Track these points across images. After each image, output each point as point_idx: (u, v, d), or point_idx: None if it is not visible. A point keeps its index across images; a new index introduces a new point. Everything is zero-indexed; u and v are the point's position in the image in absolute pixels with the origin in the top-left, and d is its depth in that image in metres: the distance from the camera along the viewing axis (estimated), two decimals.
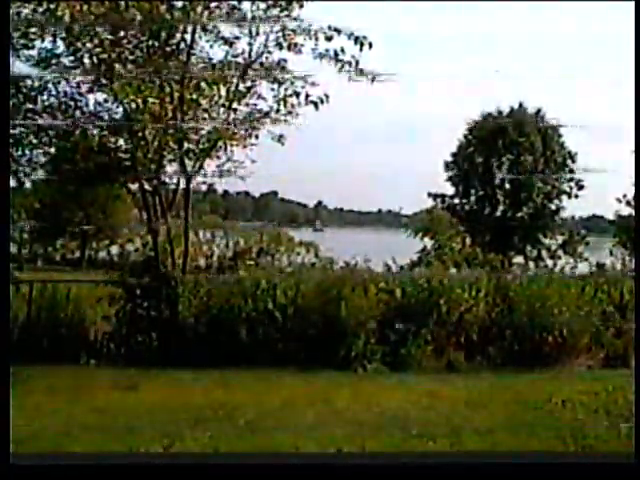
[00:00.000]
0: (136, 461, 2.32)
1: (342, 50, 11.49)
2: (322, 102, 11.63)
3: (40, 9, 11.09)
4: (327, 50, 11.59)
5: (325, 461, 2.45)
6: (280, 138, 12.31)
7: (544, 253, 23.14)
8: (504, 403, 8.47)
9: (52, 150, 13.07)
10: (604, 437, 6.83)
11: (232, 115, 12.33)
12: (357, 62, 11.53)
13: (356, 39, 11.26)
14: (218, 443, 6.60)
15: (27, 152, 12.59)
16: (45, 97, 12.37)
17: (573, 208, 24.49)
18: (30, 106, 12.22)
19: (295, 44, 11.81)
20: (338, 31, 11.38)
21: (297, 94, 11.91)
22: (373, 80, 11.46)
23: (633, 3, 2.83)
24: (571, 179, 24.39)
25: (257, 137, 12.47)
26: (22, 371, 7.75)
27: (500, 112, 24.21)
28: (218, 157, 12.56)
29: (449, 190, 24.82)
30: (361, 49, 11.30)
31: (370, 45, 11.28)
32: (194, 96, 12.00)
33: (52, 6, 10.93)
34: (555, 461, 2.40)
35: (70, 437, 6.61)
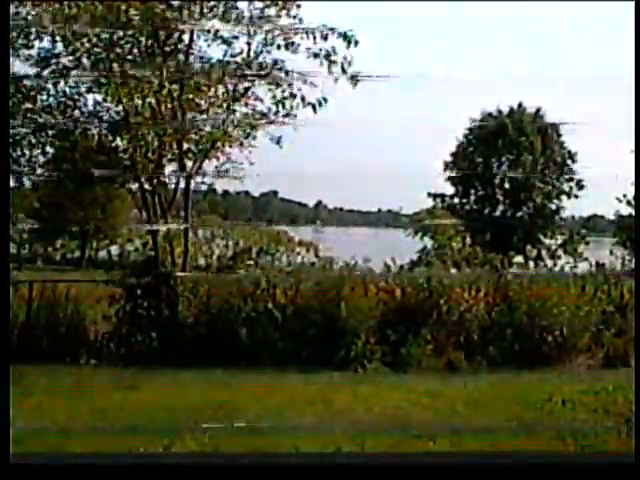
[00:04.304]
0: (136, 461, 2.32)
1: (334, 50, 11.48)
2: (320, 104, 11.61)
3: (40, 9, 11.10)
4: (320, 50, 11.59)
5: (325, 461, 2.44)
6: (278, 141, 12.28)
7: (544, 253, 23.13)
8: (504, 403, 8.47)
9: (51, 150, 13.08)
10: (604, 437, 6.83)
11: (230, 116, 12.33)
12: (350, 62, 11.52)
13: (345, 37, 11.24)
14: (218, 443, 6.59)
15: (26, 152, 12.59)
16: (44, 97, 12.38)
17: (573, 208, 24.50)
18: (29, 106, 12.22)
19: (292, 43, 11.81)
20: (333, 30, 11.38)
21: (293, 95, 11.91)
22: (355, 84, 11.43)
23: (633, 3, 2.83)
24: (571, 179, 24.39)
25: (255, 138, 12.48)
26: (22, 371, 7.74)
27: (500, 112, 24.22)
28: (217, 158, 12.58)
29: (449, 190, 24.85)
30: (348, 46, 11.27)
31: (356, 43, 11.25)
32: (192, 96, 12.01)
33: (52, 6, 10.94)
34: (555, 461, 2.40)
35: (70, 437, 6.61)
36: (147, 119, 11.65)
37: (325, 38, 11.40)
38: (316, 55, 11.59)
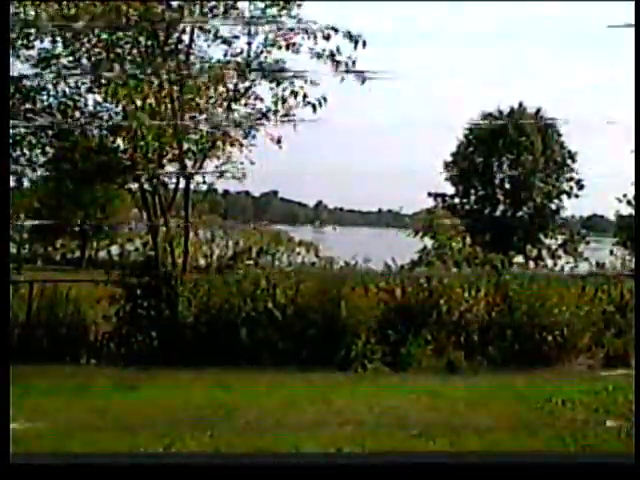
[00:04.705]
0: (136, 461, 2.32)
1: (338, 50, 11.50)
2: (320, 104, 11.61)
3: (39, 9, 11.10)
4: (324, 50, 11.61)
5: (325, 461, 2.45)
6: (279, 140, 12.28)
7: (544, 253, 23.13)
8: (504, 403, 8.47)
9: (51, 150, 13.08)
10: (604, 437, 6.83)
11: (231, 115, 12.34)
12: (354, 62, 11.54)
13: (350, 37, 11.26)
14: (218, 443, 6.60)
15: (26, 152, 12.60)
16: (44, 97, 12.38)
17: (573, 208, 24.52)
18: (29, 106, 12.22)
19: (293, 43, 11.82)
20: (335, 30, 11.39)
21: (295, 94, 11.90)
22: (363, 81, 11.46)
23: (633, 3, 2.83)
24: (571, 179, 24.41)
25: (254, 137, 12.49)
26: (22, 371, 7.74)
27: (500, 112, 24.22)
28: (217, 157, 12.58)
29: (449, 190, 24.86)
30: (355, 47, 11.30)
31: (364, 43, 11.28)
32: (192, 96, 12.01)
33: (51, 7, 10.94)
34: (555, 461, 2.40)
35: (70, 437, 6.61)
36: (147, 119, 11.64)
37: (327, 38, 11.41)
38: (319, 55, 11.61)
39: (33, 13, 11.02)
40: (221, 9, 11.97)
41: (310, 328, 10.83)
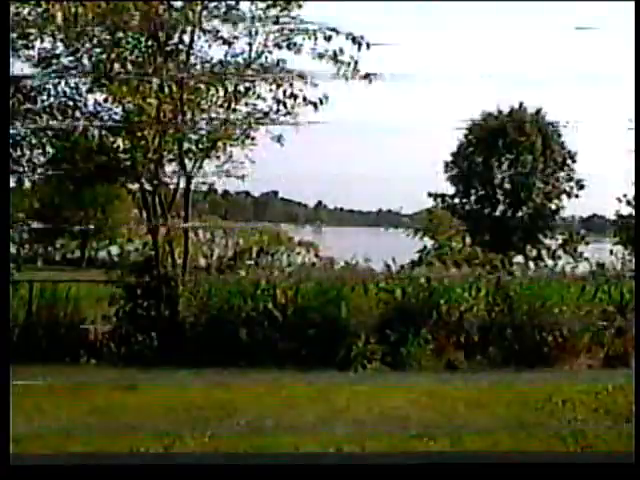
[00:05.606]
0: (136, 461, 2.32)
1: (341, 50, 11.50)
2: (321, 103, 11.63)
3: (39, 9, 11.08)
4: (326, 50, 11.60)
5: (325, 461, 2.45)
6: (279, 139, 12.30)
7: (544, 253, 23.13)
8: (504, 403, 8.47)
9: (52, 150, 13.08)
10: (604, 437, 6.83)
11: (231, 115, 12.33)
12: (356, 63, 11.54)
13: (353, 39, 11.26)
14: (218, 443, 6.60)
15: (27, 152, 12.59)
16: (45, 97, 12.37)
17: (573, 208, 24.51)
18: (29, 106, 12.21)
19: (294, 44, 11.81)
20: (337, 31, 11.39)
21: (295, 96, 11.91)
22: (370, 81, 11.47)
23: (633, 3, 2.83)
24: (571, 179, 24.40)
25: (253, 138, 12.48)
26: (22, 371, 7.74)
27: (500, 112, 24.21)
28: (218, 157, 12.57)
29: (449, 190, 24.86)
30: (359, 49, 11.31)
31: (368, 45, 11.28)
32: (193, 96, 12.00)
33: (51, 6, 10.92)
34: (555, 461, 2.40)
35: (70, 437, 6.61)
36: (148, 119, 11.64)
37: (328, 39, 11.41)
38: (321, 56, 11.60)
39: (40, 10, 10.97)
40: (222, 9, 11.95)
41: (310, 328, 10.83)
